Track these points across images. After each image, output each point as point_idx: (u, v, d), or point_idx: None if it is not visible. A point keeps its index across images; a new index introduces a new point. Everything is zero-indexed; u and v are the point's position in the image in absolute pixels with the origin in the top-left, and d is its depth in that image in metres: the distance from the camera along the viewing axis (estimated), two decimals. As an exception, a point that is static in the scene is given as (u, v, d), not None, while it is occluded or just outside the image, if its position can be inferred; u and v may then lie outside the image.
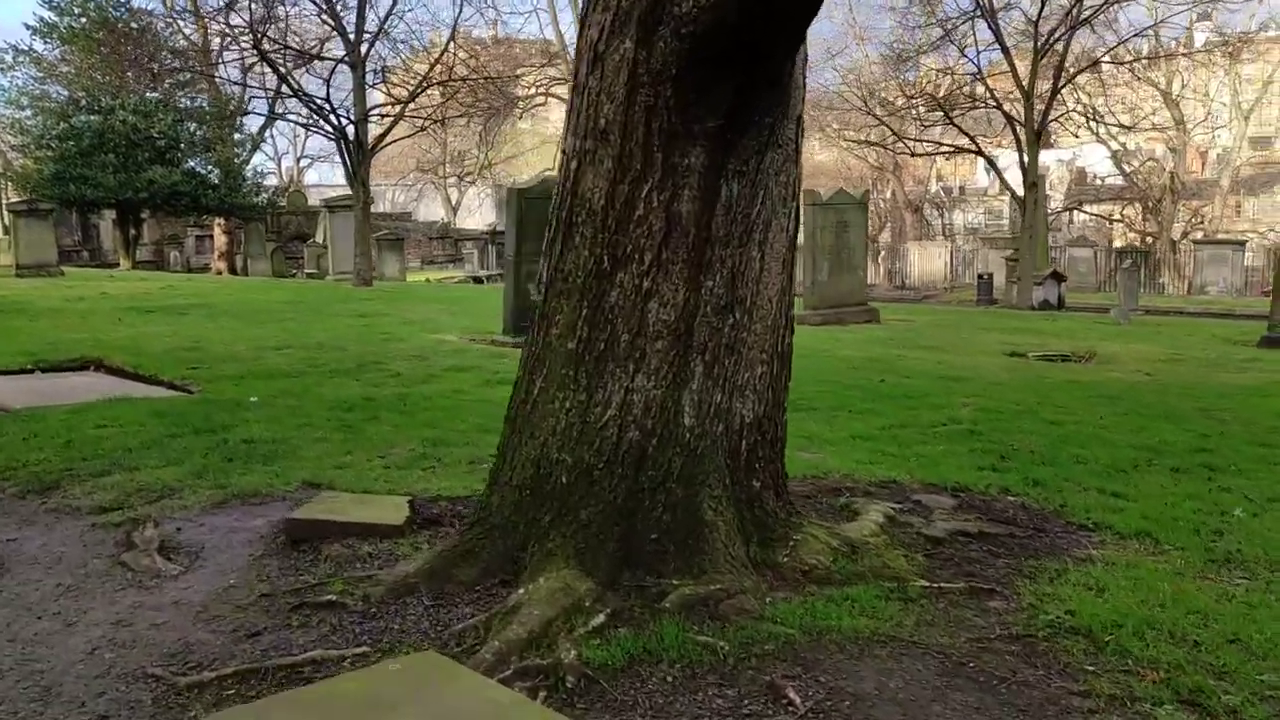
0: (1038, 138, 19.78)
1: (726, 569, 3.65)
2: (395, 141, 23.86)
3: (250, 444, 6.11)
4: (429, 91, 20.80)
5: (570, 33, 40.31)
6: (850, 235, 13.78)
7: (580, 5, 3.84)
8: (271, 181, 45.84)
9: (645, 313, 3.61)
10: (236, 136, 38.11)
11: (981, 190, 79.09)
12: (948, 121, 21.41)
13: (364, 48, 18.93)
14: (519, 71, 28.61)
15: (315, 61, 21.15)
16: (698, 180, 3.58)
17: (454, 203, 60.81)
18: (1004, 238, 39.93)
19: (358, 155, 18.39)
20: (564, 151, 3.78)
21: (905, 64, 23.44)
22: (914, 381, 9.13)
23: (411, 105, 20.56)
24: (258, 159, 40.26)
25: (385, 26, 19.40)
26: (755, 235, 3.79)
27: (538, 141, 60.23)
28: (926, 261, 38.90)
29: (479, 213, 60.43)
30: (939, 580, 3.94)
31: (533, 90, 34.06)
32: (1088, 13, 19.62)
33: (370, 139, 18.75)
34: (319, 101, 18.77)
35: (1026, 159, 19.80)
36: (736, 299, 3.78)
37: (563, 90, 37.01)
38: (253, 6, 18.48)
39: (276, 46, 19.02)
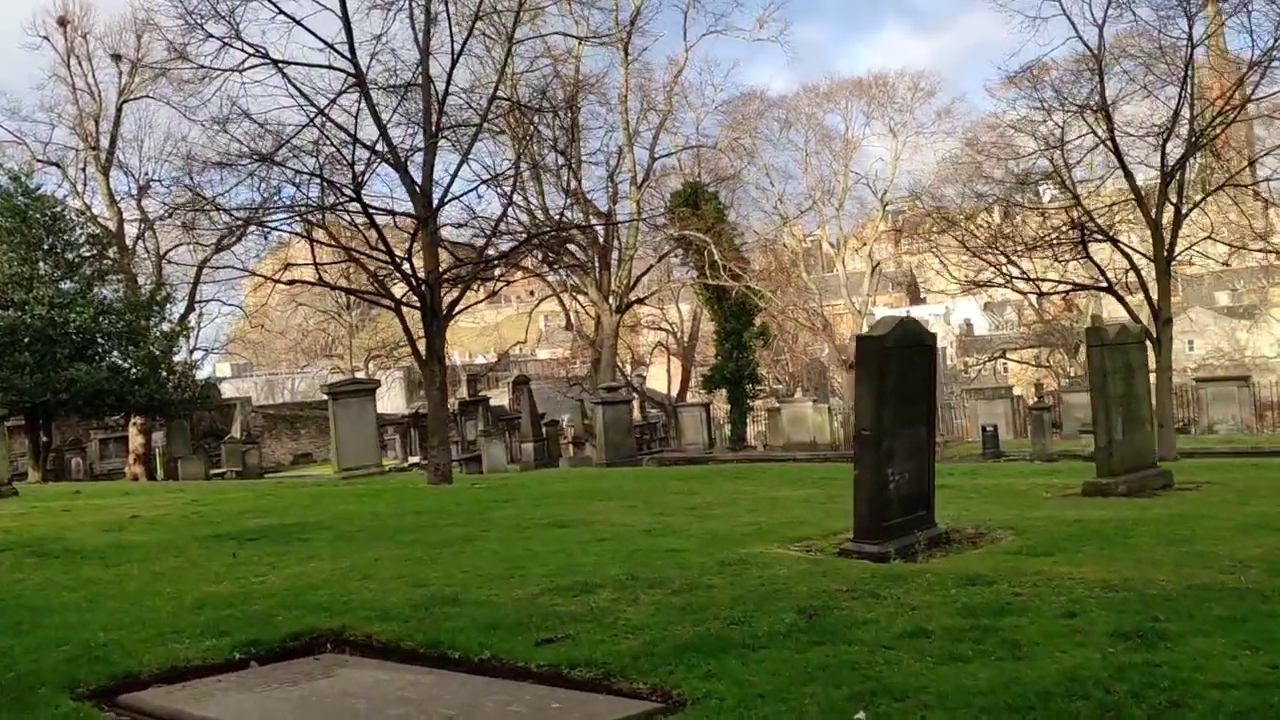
0: (1167, 267, 18.07)
1: None
2: (469, 308, 20.53)
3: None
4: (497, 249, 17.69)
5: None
6: (1136, 382, 11.28)
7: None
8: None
9: None
10: (165, 327, 34.09)
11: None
12: (1079, 255, 19.70)
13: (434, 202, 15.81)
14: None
15: (391, 219, 17.86)
16: None
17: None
18: (993, 387, 38.42)
19: (433, 324, 15.00)
20: None
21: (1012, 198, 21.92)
22: None
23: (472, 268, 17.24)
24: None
25: (456, 179, 16.39)
26: None
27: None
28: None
29: (388, 397, 56.58)
30: None
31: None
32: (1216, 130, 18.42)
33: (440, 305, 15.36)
34: (398, 258, 15.17)
35: (1157, 294, 17.98)
36: None
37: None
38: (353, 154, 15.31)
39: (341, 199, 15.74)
